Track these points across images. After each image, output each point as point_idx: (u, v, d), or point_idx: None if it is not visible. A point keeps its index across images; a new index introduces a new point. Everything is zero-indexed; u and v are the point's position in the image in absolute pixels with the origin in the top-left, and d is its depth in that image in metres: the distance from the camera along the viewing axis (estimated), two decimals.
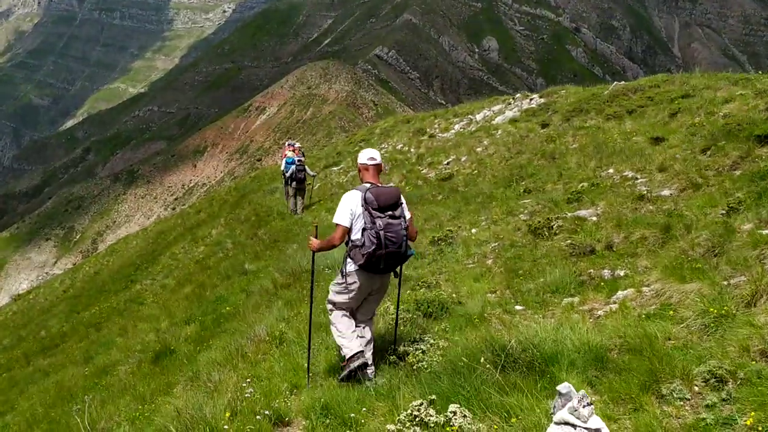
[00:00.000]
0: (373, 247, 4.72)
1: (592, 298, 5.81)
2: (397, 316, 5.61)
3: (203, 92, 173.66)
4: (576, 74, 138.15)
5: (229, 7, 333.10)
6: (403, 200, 5.10)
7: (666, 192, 7.93)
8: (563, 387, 2.92)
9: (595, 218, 8.30)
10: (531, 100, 18.88)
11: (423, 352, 5.00)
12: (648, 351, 4.03)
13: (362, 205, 4.85)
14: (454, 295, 6.60)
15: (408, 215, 5.10)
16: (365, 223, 4.81)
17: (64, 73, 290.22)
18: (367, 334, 5.09)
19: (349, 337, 4.96)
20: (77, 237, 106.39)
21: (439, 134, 20.31)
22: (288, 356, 5.74)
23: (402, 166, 18.22)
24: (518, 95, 20.09)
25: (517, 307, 6.15)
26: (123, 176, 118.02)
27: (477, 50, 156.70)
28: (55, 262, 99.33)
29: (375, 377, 4.89)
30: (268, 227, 20.00)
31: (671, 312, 4.77)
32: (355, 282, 4.96)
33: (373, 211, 4.80)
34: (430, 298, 6.39)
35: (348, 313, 5.10)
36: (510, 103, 19.55)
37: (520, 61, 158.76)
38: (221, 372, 5.91)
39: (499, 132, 16.88)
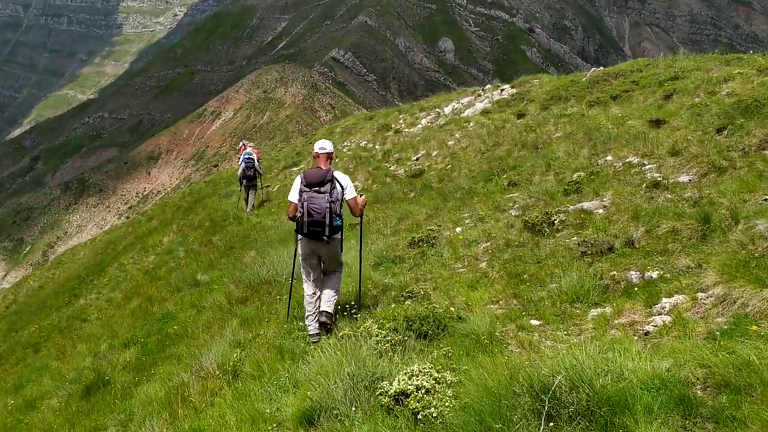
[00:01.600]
0: (300, 214, 5.97)
1: (628, 309, 4.61)
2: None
3: (156, 97, 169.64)
4: (531, 74, 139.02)
5: (180, 11, 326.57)
6: (340, 179, 6.15)
7: (684, 178, 6.83)
8: None
9: (601, 210, 7.15)
10: (502, 90, 17.83)
11: (427, 392, 3.68)
12: (759, 389, 2.81)
13: (300, 184, 6.09)
14: (451, 309, 5.33)
15: (349, 194, 6.16)
16: (300, 197, 6.03)
17: (10, 81, 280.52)
18: (324, 293, 6.19)
19: (309, 312, 6.13)
20: (27, 249, 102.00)
21: (406, 129, 19.10)
22: (244, 399, 4.37)
23: (367, 164, 16.94)
24: (488, 86, 19.03)
25: (533, 322, 4.91)
26: (74, 185, 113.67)
27: (433, 51, 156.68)
28: (4, 276, 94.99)
29: (329, 326, 5.94)
30: (223, 233, 18.49)
31: (753, 327, 3.59)
32: (300, 246, 6.24)
33: (303, 188, 6.03)
34: (421, 313, 5.11)
35: (310, 279, 6.28)
36: (480, 95, 18.46)
37: (476, 62, 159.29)
38: (156, 421, 4.49)
39: (472, 124, 15.74)
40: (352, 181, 7.08)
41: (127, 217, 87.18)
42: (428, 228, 8.51)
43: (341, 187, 6.15)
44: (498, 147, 13.24)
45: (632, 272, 5.31)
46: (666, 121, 9.14)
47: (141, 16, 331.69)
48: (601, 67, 16.60)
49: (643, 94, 11.91)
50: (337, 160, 19.63)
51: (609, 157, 8.76)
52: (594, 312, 4.75)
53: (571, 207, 7.43)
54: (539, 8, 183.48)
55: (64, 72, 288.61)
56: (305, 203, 5.95)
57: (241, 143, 19.89)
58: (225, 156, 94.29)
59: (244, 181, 18.30)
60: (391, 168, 16.01)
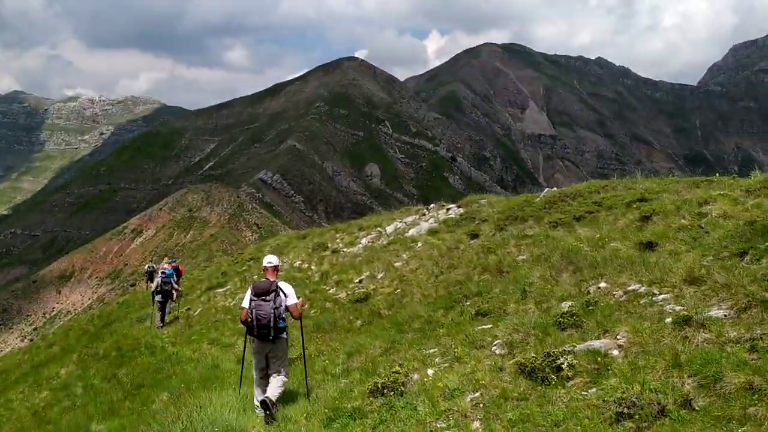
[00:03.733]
0: (249, 319, 7.24)
1: None
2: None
3: (74, 214, 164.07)
4: (454, 199, 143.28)
5: (108, 130, 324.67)
6: (284, 288, 7.37)
7: (717, 312, 5.52)
8: None
9: (617, 352, 5.69)
10: (448, 210, 16.80)
11: None
12: None
13: (250, 293, 7.36)
14: None
15: (290, 301, 7.34)
16: (249, 304, 7.29)
17: None
18: (271, 384, 7.26)
19: (255, 394, 7.40)
20: None
21: (344, 249, 17.60)
22: None
23: (303, 286, 15.16)
24: (433, 205, 18.02)
25: None
26: None
27: (360, 176, 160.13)
28: None
29: (275, 415, 6.82)
30: (132, 365, 15.94)
31: None
32: (252, 343, 7.44)
33: (252, 297, 7.29)
34: None
35: (261, 377, 7.46)
36: (425, 214, 17.36)
37: (401, 187, 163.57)
38: None
39: (420, 244, 14.43)
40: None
41: (31, 340, 79.84)
42: (392, 370, 6.77)
43: (284, 295, 7.34)
44: (453, 269, 11.86)
45: None
46: (657, 243, 8.04)
47: (65, 134, 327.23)
48: (554, 188, 15.91)
49: (612, 215, 10.98)
50: None
51: (603, 284, 7.44)
52: None
53: (578, 346, 5.93)
54: (460, 139, 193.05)
55: None
56: (253, 310, 7.16)
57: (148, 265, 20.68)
58: (144, 275, 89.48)
59: (159, 296, 18.26)
60: (331, 291, 14.30)
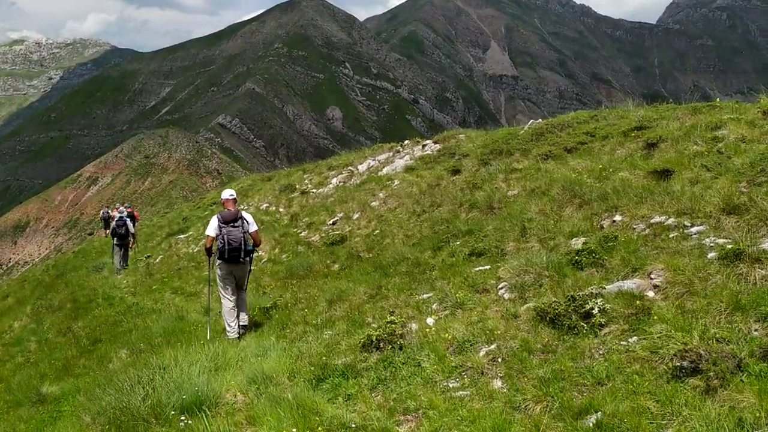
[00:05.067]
0: (222, 244, 7.95)
1: None
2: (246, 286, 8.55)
3: (25, 162, 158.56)
4: None
5: (56, 74, 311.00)
6: (246, 217, 8.22)
7: None
8: None
9: (653, 294, 4.88)
10: (425, 146, 15.76)
11: None
12: None
13: (218, 221, 8.05)
14: None
15: (252, 228, 8.21)
16: (219, 231, 7.98)
17: None
18: (242, 313, 8.23)
19: (230, 324, 8.09)
20: None
21: (314, 190, 16.51)
22: None
23: (272, 230, 14.11)
24: (407, 142, 16.93)
25: None
26: None
27: (321, 119, 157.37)
28: None
29: (244, 332, 8.06)
30: (88, 318, 14.86)
31: None
32: (222, 271, 8.17)
33: (221, 225, 8.00)
34: None
35: (228, 295, 8.16)
36: (399, 151, 16.30)
37: (363, 130, 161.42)
38: None
39: (397, 182, 13.43)
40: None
41: None
42: (386, 320, 5.87)
43: (248, 222, 8.15)
44: (437, 208, 10.94)
45: None
46: (673, 171, 7.21)
47: (12, 79, 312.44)
48: (539, 119, 14.99)
49: (608, 145, 10.12)
50: None
51: (618, 218, 6.60)
52: None
53: (607, 288, 5.10)
54: (422, 81, 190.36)
55: None
56: (225, 236, 7.90)
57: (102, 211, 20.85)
58: (101, 223, 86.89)
59: (115, 239, 18.58)
60: (302, 234, 13.29)
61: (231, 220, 7.92)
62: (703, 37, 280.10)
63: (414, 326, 5.79)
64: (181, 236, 19.06)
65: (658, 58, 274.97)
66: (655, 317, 4.45)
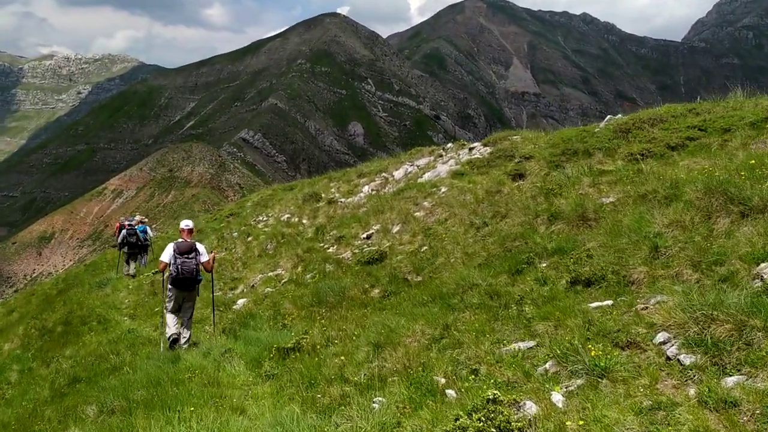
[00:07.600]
0: (175, 274, 8.70)
1: None
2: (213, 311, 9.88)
3: (52, 175, 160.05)
4: None
5: (85, 89, 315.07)
6: (199, 248, 8.96)
7: None
8: None
9: None
10: (472, 149, 13.47)
11: None
12: None
13: (173, 251, 8.77)
14: None
15: (203, 258, 8.94)
16: (174, 260, 8.68)
17: None
18: (185, 327, 8.94)
19: (170, 326, 8.88)
20: None
21: (342, 199, 14.29)
22: None
23: (294, 244, 11.89)
24: (450, 145, 14.68)
25: None
26: None
27: (343, 135, 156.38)
28: None
29: (186, 346, 8.68)
30: (78, 345, 12.67)
31: None
32: (171, 293, 8.94)
33: (176, 255, 8.71)
34: None
35: (173, 313, 8.98)
36: (442, 155, 14.03)
37: (384, 146, 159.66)
38: None
39: (444, 189, 11.15)
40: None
41: None
42: (483, 397, 3.57)
43: (200, 254, 8.94)
44: (502, 219, 8.63)
45: None
46: None
47: (42, 93, 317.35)
48: (619, 114, 12.66)
49: (736, 140, 7.80)
50: (250, 239, 14.45)
51: None
52: None
53: None
54: (444, 97, 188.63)
55: None
56: (179, 266, 8.71)
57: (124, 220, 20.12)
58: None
59: (126, 248, 18.29)
60: (331, 250, 11.05)
61: (186, 251, 8.72)
62: (729, 55, 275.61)
63: (532, 408, 3.47)
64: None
65: (683, 76, 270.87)
66: None
